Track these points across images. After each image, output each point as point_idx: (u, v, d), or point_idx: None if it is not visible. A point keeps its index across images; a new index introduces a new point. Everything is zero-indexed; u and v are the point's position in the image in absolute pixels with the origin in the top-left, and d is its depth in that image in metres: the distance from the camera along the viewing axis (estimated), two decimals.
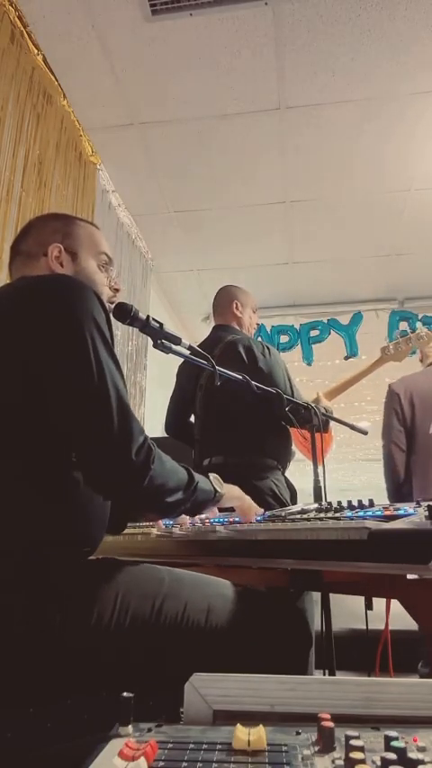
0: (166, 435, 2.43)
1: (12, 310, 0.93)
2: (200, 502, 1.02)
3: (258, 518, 1.19)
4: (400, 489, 2.60)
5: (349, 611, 2.09)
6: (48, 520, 0.88)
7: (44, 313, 0.91)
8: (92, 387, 0.87)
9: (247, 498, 1.19)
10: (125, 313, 1.17)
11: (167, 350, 1.27)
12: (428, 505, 0.78)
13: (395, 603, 1.06)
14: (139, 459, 0.87)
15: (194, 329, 5.15)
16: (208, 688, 0.52)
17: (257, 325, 2.50)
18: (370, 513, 0.92)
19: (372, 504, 1.07)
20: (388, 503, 1.10)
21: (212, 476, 1.09)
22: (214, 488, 1.06)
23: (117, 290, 1.20)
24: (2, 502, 0.86)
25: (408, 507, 0.95)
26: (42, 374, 0.88)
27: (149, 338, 1.27)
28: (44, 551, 0.85)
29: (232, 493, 1.14)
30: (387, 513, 0.91)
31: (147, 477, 0.87)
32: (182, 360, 1.53)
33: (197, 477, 1.01)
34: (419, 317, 4.66)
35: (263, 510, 1.22)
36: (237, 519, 1.22)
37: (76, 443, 0.89)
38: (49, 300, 0.92)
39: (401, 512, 0.90)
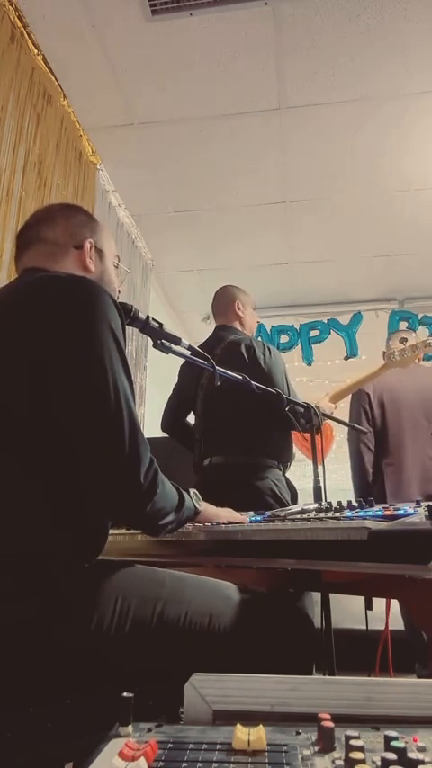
0: (166, 435, 2.42)
1: (31, 311, 0.91)
2: (183, 521, 1.01)
3: (258, 518, 1.19)
4: (369, 491, 2.59)
5: (349, 611, 2.09)
6: (50, 527, 0.87)
7: (64, 320, 0.89)
8: (107, 410, 0.86)
9: (224, 516, 1.18)
10: (125, 313, 1.17)
11: (167, 350, 1.27)
12: (428, 505, 0.78)
13: (395, 603, 1.06)
14: (147, 483, 0.86)
15: (194, 329, 5.15)
16: (208, 688, 0.52)
17: (258, 322, 2.50)
18: (370, 513, 0.92)
19: (372, 504, 1.07)
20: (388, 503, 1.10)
21: (192, 491, 1.08)
22: (195, 506, 1.06)
23: (119, 292, 1.21)
24: (4, 508, 0.86)
25: (408, 507, 0.95)
26: (55, 385, 0.87)
27: (149, 338, 1.27)
28: (45, 557, 0.85)
29: (208, 512, 1.13)
30: (387, 513, 0.91)
31: (151, 502, 0.87)
32: (182, 360, 1.54)
33: (185, 496, 1.01)
34: (419, 317, 4.66)
35: (246, 519, 1.22)
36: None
37: (85, 462, 0.87)
38: (70, 308, 0.91)
39: (401, 512, 0.90)
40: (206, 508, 1.12)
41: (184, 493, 1.02)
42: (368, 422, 2.66)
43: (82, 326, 0.89)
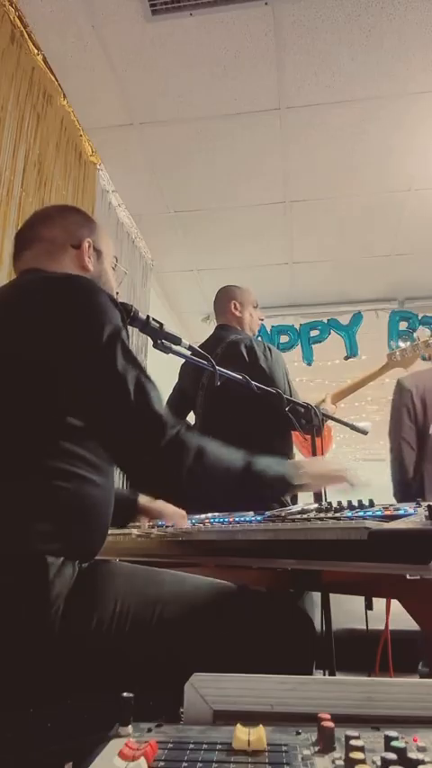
0: None
1: (30, 311, 0.92)
2: (266, 491, 0.98)
3: (258, 518, 1.19)
4: (408, 489, 2.55)
5: (349, 611, 2.08)
6: (49, 527, 0.87)
7: (64, 318, 0.91)
8: (125, 403, 0.87)
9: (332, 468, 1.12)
10: (125, 313, 1.17)
11: (167, 350, 1.27)
12: (428, 505, 0.78)
13: (395, 603, 1.06)
14: (156, 417, 0.88)
15: (194, 329, 5.15)
16: (208, 688, 0.52)
17: (261, 320, 2.48)
18: (370, 513, 0.92)
19: (372, 504, 1.07)
20: (388, 503, 1.10)
21: (292, 461, 1.04)
22: (284, 476, 1.01)
23: (117, 293, 1.22)
24: (4, 508, 0.86)
25: (408, 507, 0.95)
26: (61, 382, 0.88)
27: (149, 338, 1.27)
28: (45, 557, 0.85)
29: (312, 469, 1.07)
30: (387, 513, 0.91)
31: (164, 436, 0.87)
32: (182, 360, 1.53)
33: (260, 465, 0.97)
34: (419, 317, 4.66)
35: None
36: (238, 518, 1.22)
37: (113, 454, 0.92)
38: (68, 305, 0.92)
39: (401, 512, 0.90)
40: (309, 468, 1.07)
41: (261, 461, 0.98)
42: (410, 419, 2.60)
43: (81, 322, 0.90)
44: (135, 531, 1.29)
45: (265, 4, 2.36)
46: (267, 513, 1.23)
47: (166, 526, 1.28)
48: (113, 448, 0.91)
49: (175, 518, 1.27)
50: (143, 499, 1.35)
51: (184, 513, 1.31)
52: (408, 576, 0.77)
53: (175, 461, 0.88)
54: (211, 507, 1.02)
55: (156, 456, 0.88)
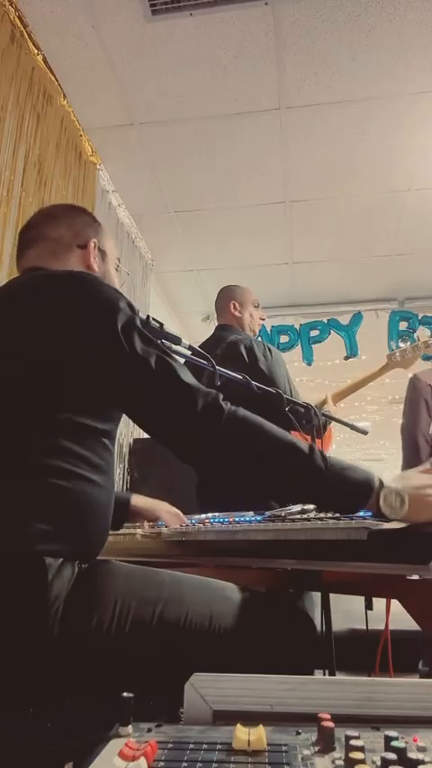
0: None
1: (37, 308, 0.94)
2: (327, 489, 0.87)
3: (258, 518, 1.19)
4: None
5: (349, 611, 2.08)
6: (48, 526, 0.87)
7: (79, 316, 0.91)
8: (153, 384, 0.89)
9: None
10: None
11: (167, 350, 1.26)
12: None
13: (395, 603, 1.06)
14: (185, 386, 0.89)
15: (194, 329, 5.16)
16: (208, 688, 0.52)
17: (263, 319, 2.46)
18: (370, 513, 0.92)
19: None
20: None
21: (392, 492, 0.83)
22: (367, 481, 0.85)
23: None
24: (4, 507, 0.85)
25: None
26: (69, 382, 0.89)
27: None
28: (45, 557, 0.85)
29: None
30: None
31: (194, 402, 0.88)
32: (183, 360, 1.53)
33: (330, 458, 0.88)
34: (419, 317, 4.66)
35: None
36: (238, 518, 1.22)
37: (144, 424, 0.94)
38: (82, 303, 0.93)
39: None
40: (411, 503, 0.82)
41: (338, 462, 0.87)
42: (429, 414, 2.59)
43: (92, 318, 0.91)
44: (139, 532, 1.28)
45: (265, 4, 2.36)
46: (267, 513, 1.23)
47: (164, 526, 1.28)
48: (156, 430, 0.93)
49: (170, 518, 1.26)
50: (136, 500, 1.34)
51: (178, 512, 1.30)
52: (408, 576, 0.77)
53: (213, 425, 0.87)
54: (257, 492, 0.99)
55: (194, 423, 0.88)
